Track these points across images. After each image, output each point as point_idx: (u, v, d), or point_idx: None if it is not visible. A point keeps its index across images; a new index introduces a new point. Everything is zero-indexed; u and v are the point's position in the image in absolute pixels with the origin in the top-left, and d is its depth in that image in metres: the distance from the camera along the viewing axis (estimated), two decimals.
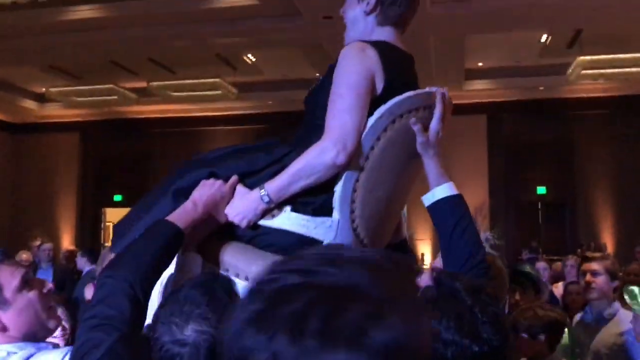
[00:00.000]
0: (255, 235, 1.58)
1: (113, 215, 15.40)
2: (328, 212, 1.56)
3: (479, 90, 11.87)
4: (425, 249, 11.68)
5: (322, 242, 1.56)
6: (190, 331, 1.14)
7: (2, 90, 12.76)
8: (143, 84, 11.55)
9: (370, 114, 1.56)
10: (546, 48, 10.38)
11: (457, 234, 1.56)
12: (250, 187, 1.59)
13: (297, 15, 8.13)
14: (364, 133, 1.54)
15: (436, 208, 1.61)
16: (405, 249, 1.98)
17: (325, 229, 1.55)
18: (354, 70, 1.56)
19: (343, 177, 1.54)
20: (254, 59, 11.06)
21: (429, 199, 1.63)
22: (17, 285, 1.41)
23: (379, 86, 1.58)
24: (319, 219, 1.55)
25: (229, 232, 1.61)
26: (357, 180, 1.55)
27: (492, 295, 1.18)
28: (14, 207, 14.50)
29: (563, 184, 12.46)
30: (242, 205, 1.56)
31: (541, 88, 11.74)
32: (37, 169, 14.61)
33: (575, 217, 12.32)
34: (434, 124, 1.63)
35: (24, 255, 6.81)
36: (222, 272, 1.53)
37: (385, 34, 1.72)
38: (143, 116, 13.95)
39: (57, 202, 14.62)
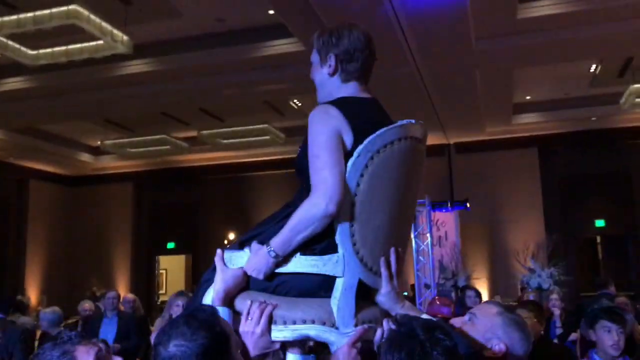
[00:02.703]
0: (278, 284, 1.79)
1: (166, 263, 15.65)
2: (334, 250, 1.76)
3: (529, 123, 11.68)
4: (482, 288, 11.36)
5: (334, 277, 1.75)
6: (171, 347, 1.38)
7: (59, 144, 13.30)
8: (194, 133, 11.84)
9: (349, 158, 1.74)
10: (596, 78, 10.17)
11: None
12: (262, 243, 1.81)
13: None
14: (347, 173, 1.72)
15: None
16: None
17: (333, 264, 1.74)
18: (321, 131, 1.75)
19: (340, 216, 1.72)
20: (300, 104, 11.22)
21: None
22: None
23: (348, 138, 1.76)
24: (326, 257, 1.74)
25: (255, 287, 1.82)
26: (351, 216, 1.73)
27: (448, 332, 1.39)
28: (71, 256, 14.91)
29: (622, 215, 12.00)
30: (255, 262, 1.79)
31: (593, 118, 11.46)
32: (93, 220, 15.05)
33: (638, 249, 11.81)
34: (383, 289, 1.80)
35: (87, 304, 6.94)
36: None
37: (350, 89, 1.92)
38: (194, 164, 14.26)
39: (112, 250, 14.96)
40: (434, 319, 1.56)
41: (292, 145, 12.77)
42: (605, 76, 10.03)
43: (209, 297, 1.81)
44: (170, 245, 14.76)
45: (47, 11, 6.85)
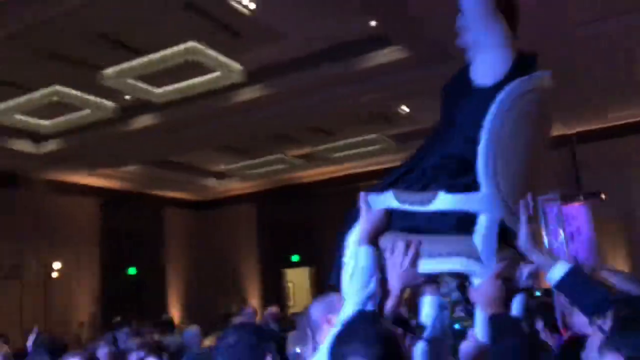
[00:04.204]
0: (419, 223, 1.86)
1: (293, 275, 16.15)
2: (476, 188, 1.82)
3: None
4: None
5: (475, 215, 1.82)
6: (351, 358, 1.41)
7: (187, 172, 14.29)
8: (307, 150, 12.21)
9: (492, 100, 1.83)
10: None
11: (587, 299, 1.77)
12: (411, 181, 1.92)
13: (449, 60, 8.14)
14: (495, 111, 1.80)
15: (561, 287, 1.82)
16: None
17: (478, 201, 1.81)
18: None
19: (483, 156, 1.80)
20: (408, 110, 11.21)
21: (551, 282, 1.83)
22: None
23: (504, 69, 1.87)
24: (472, 194, 1.81)
25: (397, 227, 1.89)
26: (496, 155, 1.80)
27: None
28: (205, 276, 15.86)
29: None
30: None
31: None
32: (222, 240, 15.94)
33: None
34: (522, 232, 1.83)
35: (239, 319, 7.28)
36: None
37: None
38: (310, 180, 14.68)
39: (242, 267, 15.74)
40: None
41: (404, 152, 12.71)
42: None
43: (354, 236, 1.92)
44: (295, 258, 15.25)
45: (168, 51, 7.49)
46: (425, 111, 11.22)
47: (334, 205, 14.96)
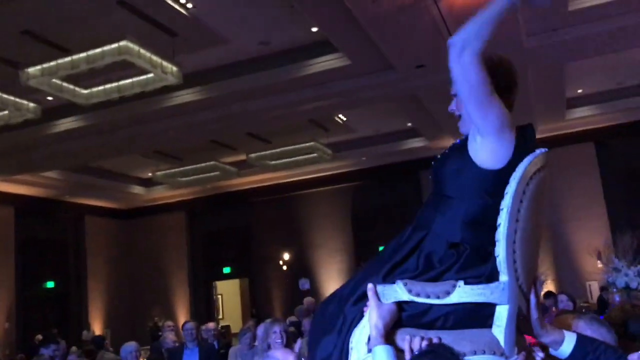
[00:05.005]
0: (434, 318, 1.72)
1: (223, 287, 15.73)
2: (496, 277, 1.72)
3: (583, 117, 11.34)
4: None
5: (493, 306, 1.71)
6: None
7: (112, 179, 13.58)
8: (242, 157, 11.91)
9: (505, 182, 1.73)
10: None
11: None
12: (399, 276, 1.75)
13: (389, 70, 8.15)
14: (511, 199, 1.70)
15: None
16: None
17: (499, 292, 1.71)
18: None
19: (504, 242, 1.70)
20: (345, 119, 11.17)
21: (561, 357, 1.81)
22: None
23: (508, 153, 1.75)
24: (493, 285, 1.71)
25: (410, 323, 1.73)
26: (514, 242, 1.72)
27: None
28: (130, 288, 15.13)
29: None
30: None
31: None
32: (149, 250, 15.26)
33: None
34: (533, 317, 1.80)
35: (170, 336, 6.91)
36: None
37: None
38: (244, 188, 14.33)
39: (170, 279, 15.13)
40: None
41: (340, 161, 12.71)
42: None
43: (364, 334, 1.75)
44: (226, 270, 14.86)
45: (99, 50, 7.02)
46: (361, 120, 11.24)
47: (268, 214, 14.76)
